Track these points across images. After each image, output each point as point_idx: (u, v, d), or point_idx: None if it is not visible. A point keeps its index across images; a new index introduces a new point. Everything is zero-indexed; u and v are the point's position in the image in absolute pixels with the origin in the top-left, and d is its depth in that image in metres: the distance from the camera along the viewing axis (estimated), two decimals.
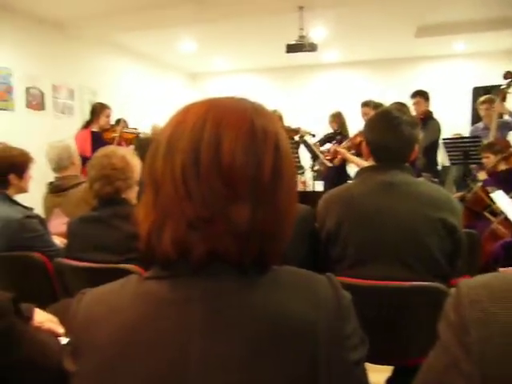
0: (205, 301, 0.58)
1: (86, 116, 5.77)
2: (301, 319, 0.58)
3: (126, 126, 4.96)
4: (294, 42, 4.93)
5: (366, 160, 1.72)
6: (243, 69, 8.39)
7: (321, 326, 0.58)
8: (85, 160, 3.76)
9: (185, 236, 0.58)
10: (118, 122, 4.94)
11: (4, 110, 4.87)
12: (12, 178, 2.13)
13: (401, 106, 3.27)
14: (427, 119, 4.22)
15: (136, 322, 0.60)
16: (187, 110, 0.64)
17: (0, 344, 0.72)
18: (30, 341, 0.80)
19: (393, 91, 5.96)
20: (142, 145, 3.22)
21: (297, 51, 4.93)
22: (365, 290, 1.40)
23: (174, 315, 0.59)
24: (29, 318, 1.14)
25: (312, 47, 4.90)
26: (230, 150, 0.58)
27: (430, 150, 4.12)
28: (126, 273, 1.69)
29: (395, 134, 1.57)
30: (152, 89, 7.48)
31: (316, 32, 5.72)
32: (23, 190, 2.22)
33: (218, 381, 0.56)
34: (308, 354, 0.57)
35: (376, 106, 4.20)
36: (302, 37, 4.89)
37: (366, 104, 4.59)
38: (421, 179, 2.66)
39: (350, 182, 4.76)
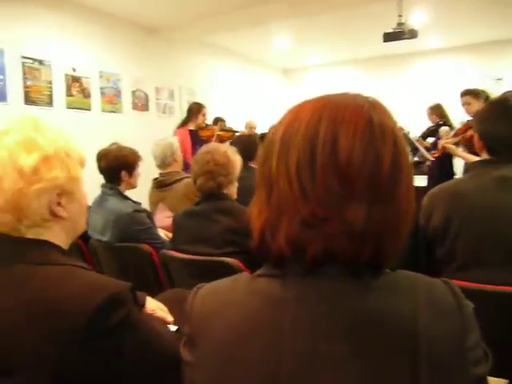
0: (319, 301, 0.57)
1: (185, 115, 6.11)
2: (417, 327, 0.55)
3: (223, 125, 5.15)
4: (391, 31, 4.70)
5: (479, 155, 1.58)
6: (337, 61, 8.22)
7: (440, 335, 0.55)
8: (184, 151, 4.00)
9: (299, 234, 0.57)
10: (217, 121, 5.13)
11: (114, 112, 5.31)
12: (123, 175, 2.31)
13: None
14: None
15: (250, 317, 0.61)
16: (300, 108, 0.63)
17: (120, 330, 0.77)
18: (146, 327, 0.85)
19: (505, 75, 5.41)
20: (238, 142, 3.28)
21: (395, 39, 4.70)
22: (484, 295, 1.29)
23: (287, 314, 0.58)
24: (142, 305, 1.23)
25: (412, 34, 4.63)
26: (347, 147, 0.56)
27: None
28: (226, 266, 1.76)
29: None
30: (246, 86, 7.65)
31: (415, 18, 5.41)
32: (133, 186, 2.40)
33: (329, 380, 0.55)
34: (422, 361, 0.53)
35: (477, 94, 3.85)
36: (400, 24, 4.65)
37: (466, 93, 4.23)
38: None
39: (457, 177, 4.45)
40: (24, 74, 4.28)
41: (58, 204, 0.85)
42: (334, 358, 0.55)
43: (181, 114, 6.23)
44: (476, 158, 1.87)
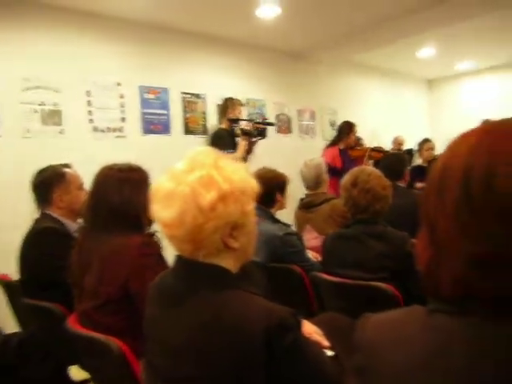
0: (497, 346, 0.54)
1: (327, 135, 6.15)
2: None
3: (362, 142, 5.06)
4: None
5: None
6: (491, 67, 7.45)
7: None
8: (335, 171, 3.99)
9: (464, 274, 0.55)
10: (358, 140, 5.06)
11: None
12: (278, 196, 2.41)
13: None
14: None
15: (426, 354, 0.59)
16: (460, 142, 0.60)
17: (290, 354, 0.81)
18: (311, 352, 0.88)
19: None
20: (386, 161, 3.19)
21: None
22: None
23: (466, 353, 0.55)
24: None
25: None
26: (504, 185, 0.52)
27: None
28: (379, 290, 1.71)
29: None
30: (390, 101, 7.41)
31: None
32: (283, 207, 2.49)
33: None
34: None
35: None
36: None
37: None
38: None
39: None
40: (184, 107, 4.82)
41: (231, 236, 0.93)
42: None
43: (322, 133, 6.31)
44: None
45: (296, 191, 3.14)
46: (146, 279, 1.20)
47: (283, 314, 0.84)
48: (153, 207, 0.92)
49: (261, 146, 5.27)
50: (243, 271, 1.01)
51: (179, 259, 0.97)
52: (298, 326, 0.89)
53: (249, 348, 0.80)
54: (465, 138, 0.61)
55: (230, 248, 0.94)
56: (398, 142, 5.91)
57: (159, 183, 0.92)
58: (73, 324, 1.51)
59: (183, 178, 0.89)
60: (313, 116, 6.32)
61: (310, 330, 1.31)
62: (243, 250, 0.97)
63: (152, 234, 1.53)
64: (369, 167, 2.00)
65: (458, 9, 4.42)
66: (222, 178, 0.89)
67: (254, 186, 0.97)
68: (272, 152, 5.39)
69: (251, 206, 0.96)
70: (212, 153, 0.94)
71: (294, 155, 5.19)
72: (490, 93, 7.40)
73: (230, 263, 0.96)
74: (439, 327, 0.60)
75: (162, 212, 0.90)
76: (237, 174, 0.92)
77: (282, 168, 2.59)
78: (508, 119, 0.61)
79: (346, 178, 1.89)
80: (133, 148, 4.25)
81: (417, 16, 4.55)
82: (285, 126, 5.92)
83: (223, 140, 3.75)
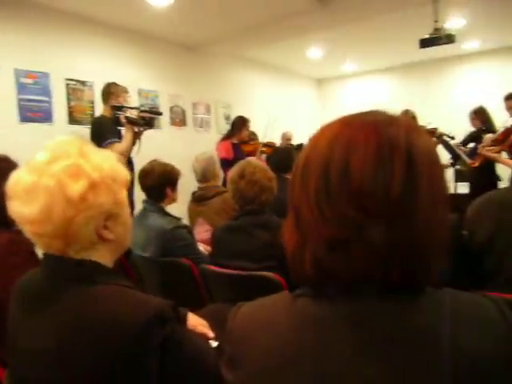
0: (356, 322, 0.58)
1: (221, 128, 6.19)
2: (459, 346, 0.54)
3: (255, 137, 5.19)
4: (427, 36, 4.60)
5: None
6: (373, 70, 8.14)
7: (485, 354, 0.53)
8: (228, 164, 4.00)
9: (324, 258, 0.59)
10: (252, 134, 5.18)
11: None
12: (168, 190, 2.35)
13: None
14: None
15: (291, 337, 0.61)
16: (321, 133, 0.64)
17: (165, 347, 0.79)
18: (190, 344, 0.87)
19: None
20: (275, 155, 3.30)
21: (432, 45, 4.59)
22: None
23: (327, 335, 0.59)
24: (184, 321, 1.25)
25: (449, 39, 4.51)
26: (357, 172, 0.56)
27: None
28: (265, 280, 1.75)
29: None
30: (281, 97, 7.69)
31: (453, 22, 5.28)
32: (174, 201, 2.44)
33: None
34: (463, 381, 0.52)
35: None
36: (437, 29, 4.54)
37: (510, 97, 4.07)
38: None
39: (501, 184, 4.28)
40: (68, 94, 4.49)
41: (105, 227, 0.88)
42: (377, 379, 0.54)
43: (217, 127, 6.33)
44: None
45: (190, 184, 3.12)
46: (11, 280, 1.08)
47: (159, 307, 0.81)
48: (11, 204, 0.83)
49: (154, 138, 5.13)
50: (120, 265, 0.97)
51: (47, 257, 0.89)
52: (177, 318, 0.87)
53: (120, 344, 0.76)
54: (325, 130, 0.64)
55: (105, 240, 0.89)
56: (286, 138, 6.16)
57: (17, 177, 0.83)
58: None
59: (46, 169, 0.81)
60: (208, 109, 6.31)
61: (195, 322, 1.30)
62: (119, 241, 0.93)
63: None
64: (254, 160, 2.05)
65: (338, 14, 4.73)
66: (90, 166, 0.83)
67: (125, 173, 0.92)
68: (165, 145, 5.28)
69: (124, 195, 0.92)
70: (76, 141, 0.87)
71: (188, 148, 5.14)
72: (371, 94, 8.08)
73: (105, 256, 0.91)
74: (302, 311, 0.62)
75: (23, 208, 0.81)
76: (106, 161, 0.87)
77: (175, 161, 2.54)
78: (366, 112, 0.65)
79: (233, 171, 1.92)
80: (7, 137, 3.84)
81: (303, 18, 4.77)
82: (179, 119, 5.82)
83: (106, 128, 3.43)
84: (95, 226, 0.86)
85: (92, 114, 4.66)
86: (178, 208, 2.71)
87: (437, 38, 4.53)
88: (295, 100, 8.11)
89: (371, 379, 0.54)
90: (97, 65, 4.75)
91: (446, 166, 4.61)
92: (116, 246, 0.93)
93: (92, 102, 4.71)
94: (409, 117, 4.50)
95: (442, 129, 4.65)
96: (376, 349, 0.55)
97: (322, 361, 0.58)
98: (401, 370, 0.54)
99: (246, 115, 4.97)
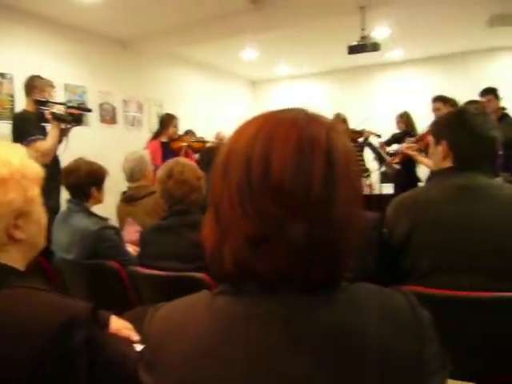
0: (273, 318, 0.58)
1: (154, 127, 6.05)
2: (374, 340, 0.55)
3: (193, 135, 5.13)
4: (355, 43, 4.82)
5: (443, 161, 1.62)
6: (305, 74, 8.36)
7: (397, 348, 0.55)
8: (156, 168, 3.91)
9: (244, 255, 0.58)
10: (187, 134, 5.12)
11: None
12: (93, 190, 2.25)
13: (478, 105, 3.09)
14: (502, 117, 4.07)
15: (206, 339, 0.60)
16: (243, 129, 0.64)
17: (83, 353, 0.75)
18: (109, 349, 0.83)
19: (463, 87, 5.62)
20: (206, 154, 3.28)
21: (359, 52, 4.82)
22: (449, 301, 1.32)
23: (243, 333, 0.58)
24: (106, 325, 1.20)
25: (374, 47, 4.76)
26: (278, 169, 0.56)
27: (507, 148, 3.85)
28: (195, 280, 1.73)
29: (473, 134, 1.47)
30: (215, 98, 7.66)
31: (379, 31, 5.56)
32: (100, 202, 2.35)
33: None
34: (379, 374, 0.54)
35: (446, 100, 4.02)
36: (363, 37, 4.77)
37: (437, 99, 4.37)
38: (499, 180, 2.47)
39: (421, 184, 4.57)
40: None
41: (15, 226, 0.83)
42: (292, 375, 0.55)
43: (149, 126, 6.19)
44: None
45: (122, 185, 3.02)
46: None
47: (75, 310, 0.77)
48: None
49: (82, 135, 4.90)
50: (35, 266, 0.91)
51: None
52: (95, 321, 0.83)
53: (32, 351, 0.71)
54: (247, 125, 0.64)
55: (16, 240, 0.83)
56: (219, 138, 6.16)
57: None
58: None
59: None
60: (140, 107, 6.15)
61: (119, 325, 1.26)
62: (31, 241, 0.87)
63: None
64: (183, 159, 2.02)
65: (272, 17, 4.82)
66: None
67: (36, 169, 0.87)
68: (94, 143, 5.07)
69: (36, 192, 0.87)
70: None
71: (118, 147, 4.96)
72: (304, 97, 8.30)
73: (17, 257, 0.85)
74: (220, 309, 0.61)
75: None
76: (15, 157, 0.82)
77: (104, 160, 2.44)
78: (287, 109, 0.66)
79: (161, 171, 1.88)
80: None
81: (237, 18, 4.80)
82: (109, 116, 5.62)
83: (29, 124, 3.21)
84: (5, 225, 0.80)
85: (11, 109, 4.36)
86: (107, 209, 2.61)
87: (363, 46, 4.76)
88: (230, 100, 8.12)
89: (291, 376, 0.55)
90: (18, 56, 4.46)
91: (369, 170, 4.90)
92: (29, 246, 0.87)
93: (12, 96, 4.41)
94: (340, 120, 4.69)
95: (369, 128, 4.92)
96: (294, 345, 0.56)
97: (238, 357, 0.57)
98: (318, 365, 0.54)
99: (178, 114, 4.89)
